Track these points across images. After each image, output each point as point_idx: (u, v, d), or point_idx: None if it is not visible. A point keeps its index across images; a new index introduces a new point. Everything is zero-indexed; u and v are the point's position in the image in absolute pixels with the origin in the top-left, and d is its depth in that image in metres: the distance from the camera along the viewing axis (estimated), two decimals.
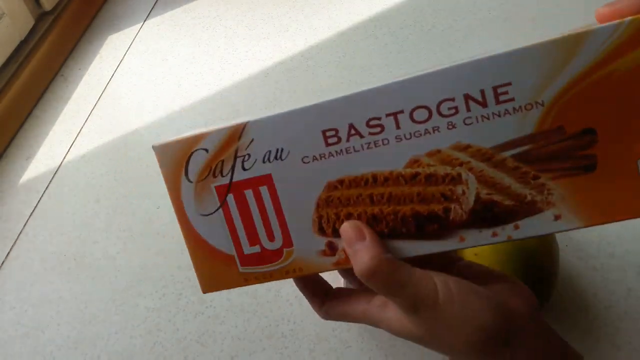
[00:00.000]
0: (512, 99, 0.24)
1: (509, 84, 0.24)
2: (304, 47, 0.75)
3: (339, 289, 0.31)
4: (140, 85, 0.72)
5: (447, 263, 0.30)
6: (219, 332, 0.49)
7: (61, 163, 0.64)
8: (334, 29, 0.77)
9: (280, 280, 0.52)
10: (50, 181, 0.62)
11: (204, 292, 0.29)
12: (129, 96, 0.71)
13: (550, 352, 0.27)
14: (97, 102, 0.71)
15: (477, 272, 0.29)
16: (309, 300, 0.31)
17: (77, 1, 0.79)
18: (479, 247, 0.42)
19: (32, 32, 0.73)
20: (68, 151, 0.65)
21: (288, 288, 0.51)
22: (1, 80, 0.67)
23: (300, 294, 0.53)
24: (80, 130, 0.68)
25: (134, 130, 0.67)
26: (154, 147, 0.28)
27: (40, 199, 0.61)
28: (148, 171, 0.62)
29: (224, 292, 0.51)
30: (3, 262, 0.56)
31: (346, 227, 0.26)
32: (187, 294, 0.52)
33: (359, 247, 0.26)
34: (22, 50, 0.70)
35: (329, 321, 0.49)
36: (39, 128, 0.68)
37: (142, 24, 0.82)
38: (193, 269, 0.55)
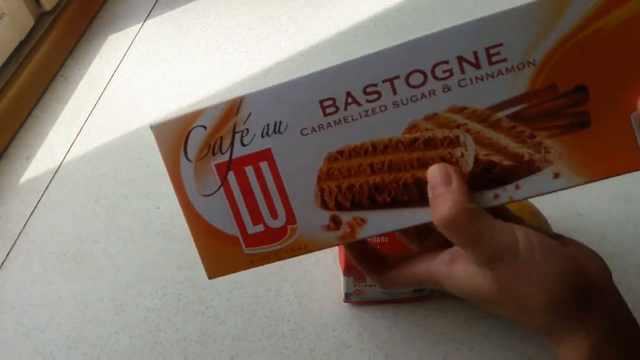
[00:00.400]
0: (505, 60, 0.25)
1: (500, 44, 0.25)
2: (304, 47, 0.75)
3: (396, 255, 0.30)
4: (140, 85, 0.72)
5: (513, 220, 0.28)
6: (219, 332, 0.49)
7: (61, 163, 0.64)
8: (334, 29, 0.77)
9: (280, 280, 0.51)
10: (50, 181, 0.62)
11: (210, 277, 0.28)
12: (129, 96, 0.71)
13: (629, 325, 0.25)
14: (97, 102, 0.71)
15: (547, 234, 0.27)
16: (365, 272, 0.30)
17: (77, 1, 0.79)
18: None
19: (32, 32, 0.73)
20: (68, 151, 0.66)
21: (288, 288, 0.51)
22: (1, 80, 0.67)
23: (300, 294, 0.53)
24: (80, 130, 0.68)
25: (134, 130, 0.67)
26: (151, 127, 0.27)
27: (40, 199, 0.61)
28: (148, 171, 0.62)
29: (224, 292, 0.51)
30: (3, 262, 0.56)
31: (434, 170, 0.25)
32: (187, 294, 0.52)
33: (442, 192, 0.25)
34: (22, 50, 0.70)
35: (329, 321, 0.49)
36: (39, 128, 0.68)
37: (142, 24, 0.82)
38: (193, 269, 0.55)
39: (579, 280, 0.24)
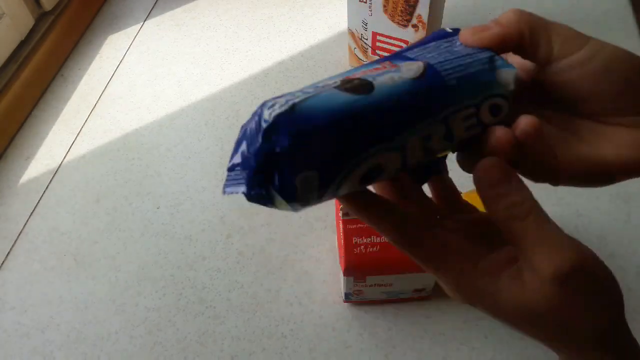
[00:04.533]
0: None
1: None
2: (304, 47, 0.75)
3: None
4: (140, 85, 0.72)
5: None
6: (219, 332, 0.49)
7: (61, 163, 0.64)
8: (334, 29, 0.77)
9: (280, 280, 0.51)
10: (50, 181, 0.62)
11: None
12: (129, 96, 0.71)
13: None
14: (97, 102, 0.71)
15: None
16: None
17: (77, 1, 0.79)
18: None
19: (32, 32, 0.72)
20: (68, 151, 0.66)
21: (288, 288, 0.51)
22: (1, 80, 0.67)
23: (300, 294, 0.53)
24: (80, 130, 0.68)
25: (134, 130, 0.67)
26: None
27: (40, 199, 0.61)
28: (148, 171, 0.62)
29: (224, 292, 0.51)
30: (3, 262, 0.56)
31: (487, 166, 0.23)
32: (187, 294, 0.52)
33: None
34: (22, 50, 0.70)
35: (329, 321, 0.49)
36: (39, 128, 0.68)
37: (142, 24, 0.82)
38: (193, 269, 0.55)
39: (622, 311, 0.23)
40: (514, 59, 0.26)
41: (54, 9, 0.76)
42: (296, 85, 0.70)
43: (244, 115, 0.67)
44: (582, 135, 0.25)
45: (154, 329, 0.50)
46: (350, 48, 0.70)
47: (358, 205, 0.24)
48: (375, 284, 0.45)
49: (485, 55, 0.25)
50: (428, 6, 0.59)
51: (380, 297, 0.48)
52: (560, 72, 0.24)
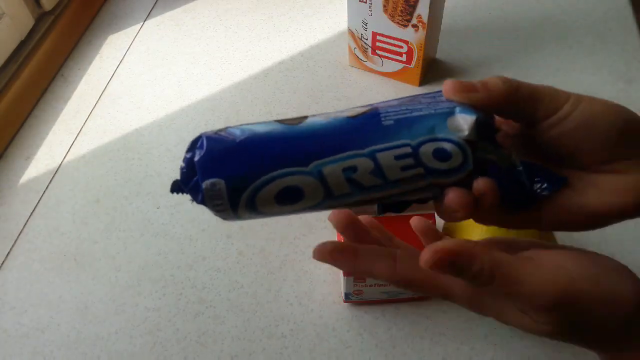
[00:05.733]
0: None
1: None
2: (304, 47, 0.75)
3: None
4: (140, 85, 0.72)
5: None
6: (219, 332, 0.49)
7: (61, 163, 0.64)
8: (334, 29, 0.77)
9: (280, 280, 0.51)
10: (50, 181, 0.62)
11: None
12: (129, 96, 0.71)
13: None
14: (97, 102, 0.71)
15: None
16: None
17: (77, 1, 0.79)
18: None
19: (32, 32, 0.72)
20: (68, 151, 0.65)
21: (288, 288, 0.51)
22: (1, 80, 0.67)
23: (300, 294, 0.53)
24: (80, 130, 0.68)
25: (134, 130, 0.67)
26: None
27: (40, 199, 0.61)
28: (148, 171, 0.62)
29: (224, 292, 0.51)
30: (3, 262, 0.56)
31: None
32: (187, 294, 0.52)
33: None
34: (22, 50, 0.70)
35: (329, 321, 0.49)
36: (39, 128, 0.68)
37: (142, 24, 0.82)
38: (193, 269, 0.55)
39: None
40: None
41: (54, 9, 0.76)
42: (296, 84, 0.70)
43: (244, 115, 0.67)
44: (574, 185, 0.26)
45: (154, 329, 0.50)
46: (350, 48, 0.70)
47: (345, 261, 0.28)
48: (375, 284, 0.45)
49: (448, 105, 0.25)
50: (428, 6, 0.59)
51: (380, 297, 0.48)
52: (545, 131, 0.25)
